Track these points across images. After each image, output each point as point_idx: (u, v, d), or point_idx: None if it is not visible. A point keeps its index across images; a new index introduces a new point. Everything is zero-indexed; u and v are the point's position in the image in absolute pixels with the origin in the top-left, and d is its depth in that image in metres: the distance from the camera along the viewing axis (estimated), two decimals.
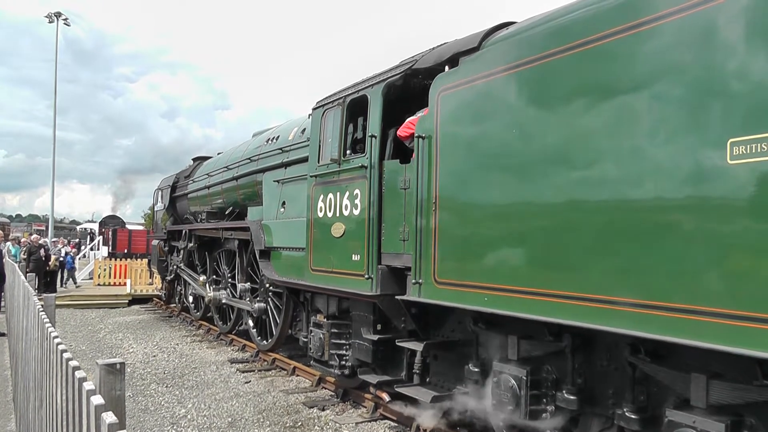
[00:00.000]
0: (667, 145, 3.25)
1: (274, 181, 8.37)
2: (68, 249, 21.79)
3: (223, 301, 10.89)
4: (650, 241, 3.28)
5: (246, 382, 7.98)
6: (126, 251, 29.18)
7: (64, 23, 28.49)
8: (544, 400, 4.30)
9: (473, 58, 4.73)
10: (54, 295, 7.40)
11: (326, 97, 6.77)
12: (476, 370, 4.91)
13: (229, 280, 10.90)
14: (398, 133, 5.54)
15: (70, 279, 20.02)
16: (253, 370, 8.68)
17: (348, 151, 6.21)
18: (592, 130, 3.68)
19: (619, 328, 3.41)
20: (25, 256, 16.30)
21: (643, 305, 3.28)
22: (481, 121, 4.52)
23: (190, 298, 13.12)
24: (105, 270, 20.12)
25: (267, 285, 8.79)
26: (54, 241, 21.20)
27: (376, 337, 5.92)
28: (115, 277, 19.81)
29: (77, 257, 24.24)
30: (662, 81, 3.31)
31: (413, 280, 5.03)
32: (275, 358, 8.98)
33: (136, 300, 17.26)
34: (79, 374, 2.20)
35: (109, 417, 1.70)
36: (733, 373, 3.20)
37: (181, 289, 14.11)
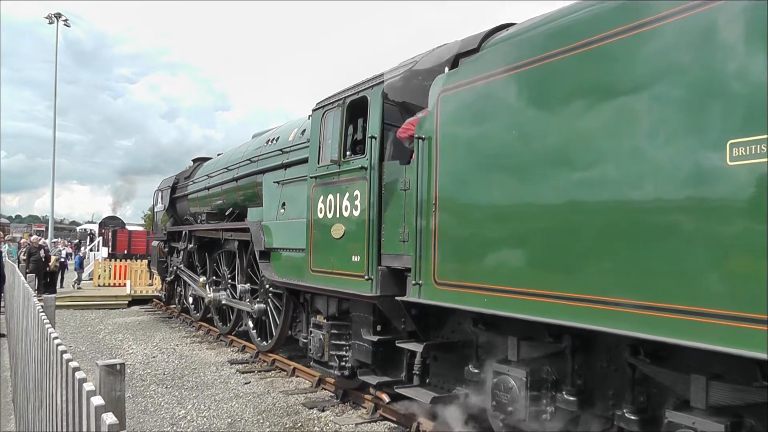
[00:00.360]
0: (667, 147, 3.25)
1: (274, 182, 8.37)
2: (69, 250, 21.79)
3: (223, 302, 10.89)
4: (650, 243, 3.28)
5: (246, 383, 7.97)
6: (126, 252, 29.23)
7: (64, 24, 28.58)
8: (544, 401, 4.29)
9: (473, 60, 4.73)
10: (54, 296, 7.39)
11: (326, 99, 6.77)
12: (476, 371, 4.91)
13: (229, 281, 10.90)
14: (398, 134, 5.54)
15: (77, 279, 20.02)
16: (253, 371, 8.68)
17: (348, 153, 6.21)
18: (593, 131, 3.67)
19: (619, 329, 3.41)
20: (25, 257, 16.31)
21: (643, 306, 3.28)
22: (481, 122, 4.52)
23: (190, 299, 13.12)
24: (105, 271, 20.14)
25: (267, 286, 8.79)
26: (54, 242, 21.22)
27: (375, 338, 5.91)
28: (114, 278, 19.83)
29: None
30: (662, 82, 3.31)
31: (413, 281, 5.03)
32: (275, 359, 8.98)
33: (135, 301, 17.28)
34: (79, 375, 2.21)
35: (109, 418, 1.70)
36: (732, 375, 3.21)
37: (180, 290, 14.10)
